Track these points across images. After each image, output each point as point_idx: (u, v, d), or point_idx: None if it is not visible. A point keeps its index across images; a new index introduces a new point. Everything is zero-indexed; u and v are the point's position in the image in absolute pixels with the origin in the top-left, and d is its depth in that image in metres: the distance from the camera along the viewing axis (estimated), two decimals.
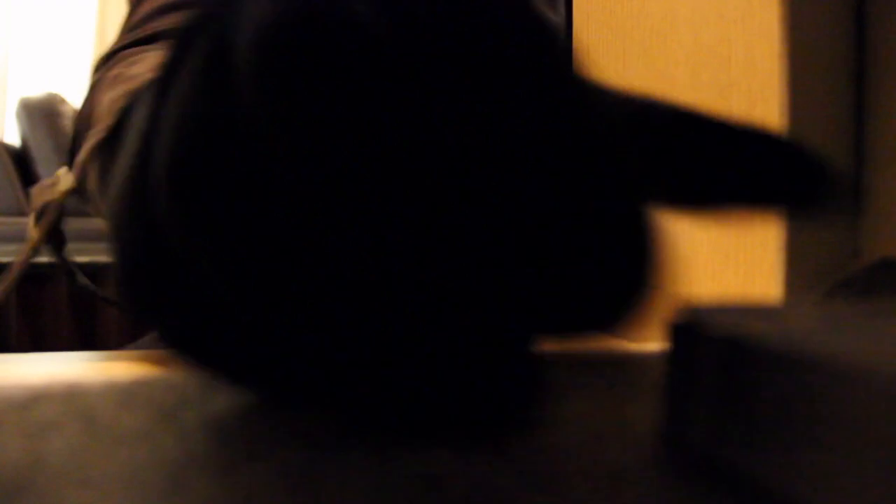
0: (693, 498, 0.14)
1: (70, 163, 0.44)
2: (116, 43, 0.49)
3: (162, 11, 0.48)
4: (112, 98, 0.40)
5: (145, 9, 0.50)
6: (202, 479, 0.15)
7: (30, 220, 0.44)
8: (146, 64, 0.42)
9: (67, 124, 2.32)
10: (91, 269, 0.75)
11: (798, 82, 0.26)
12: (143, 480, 0.15)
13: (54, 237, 0.45)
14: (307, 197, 0.14)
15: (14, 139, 2.45)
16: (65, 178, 0.41)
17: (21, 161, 2.33)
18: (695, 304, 0.16)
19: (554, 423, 0.18)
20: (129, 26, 0.50)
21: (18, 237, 1.97)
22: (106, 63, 0.48)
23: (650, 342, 0.34)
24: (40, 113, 2.33)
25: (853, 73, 0.27)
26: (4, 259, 1.79)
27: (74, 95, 2.86)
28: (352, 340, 0.15)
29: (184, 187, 0.16)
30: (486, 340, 0.15)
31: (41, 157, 2.30)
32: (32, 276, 1.81)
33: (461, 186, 0.14)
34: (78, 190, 0.42)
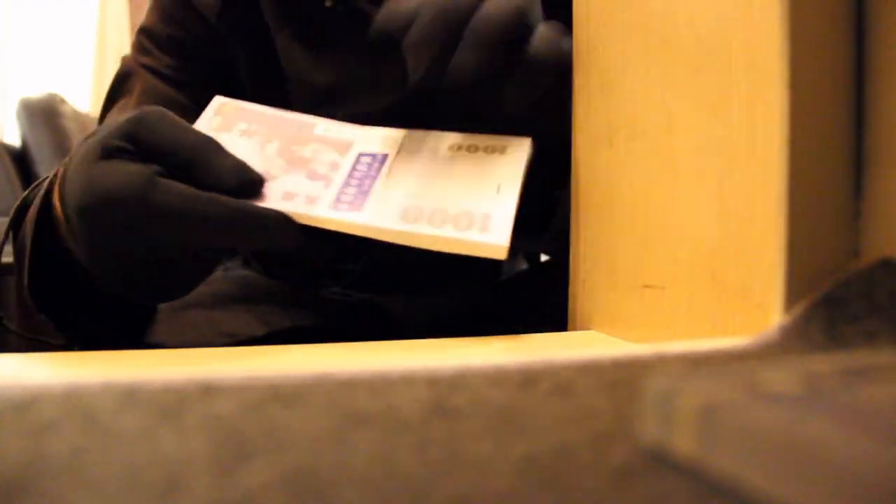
0: (693, 498, 0.14)
1: None
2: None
3: None
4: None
5: None
6: (202, 479, 0.15)
7: None
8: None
9: (67, 124, 2.32)
10: None
11: (798, 82, 0.26)
12: (143, 480, 0.15)
13: None
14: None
15: (14, 139, 2.45)
16: None
17: (21, 161, 2.33)
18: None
19: (554, 423, 0.18)
20: None
21: None
22: None
23: (652, 343, 0.34)
24: (40, 113, 2.33)
25: (853, 74, 0.27)
26: (4, 259, 1.78)
27: (74, 95, 2.85)
28: None
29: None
30: None
31: (41, 157, 2.30)
32: None
33: None
34: None
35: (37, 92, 2.43)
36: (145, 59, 0.66)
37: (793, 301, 0.26)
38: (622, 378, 0.22)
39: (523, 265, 0.78)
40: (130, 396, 0.20)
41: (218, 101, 0.44)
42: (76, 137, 2.32)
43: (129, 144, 0.36)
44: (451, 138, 0.43)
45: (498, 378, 0.22)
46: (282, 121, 0.44)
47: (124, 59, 0.68)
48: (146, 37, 0.67)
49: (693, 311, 0.31)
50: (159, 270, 0.38)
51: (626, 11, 0.36)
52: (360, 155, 0.43)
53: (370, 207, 0.38)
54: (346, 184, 0.40)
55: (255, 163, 0.39)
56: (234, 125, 0.43)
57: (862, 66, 0.27)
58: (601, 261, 0.39)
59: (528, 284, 0.70)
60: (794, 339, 0.24)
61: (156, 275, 0.38)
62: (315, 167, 0.41)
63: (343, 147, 0.43)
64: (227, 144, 0.39)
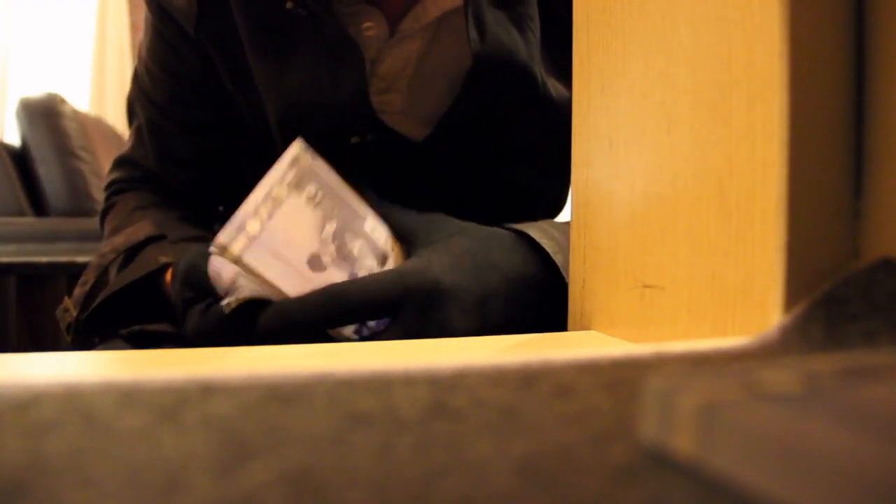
0: (693, 498, 0.14)
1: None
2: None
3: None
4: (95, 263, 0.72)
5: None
6: (202, 479, 0.15)
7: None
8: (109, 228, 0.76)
9: (67, 124, 2.32)
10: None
11: (798, 82, 0.26)
12: (143, 480, 0.15)
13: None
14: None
15: (14, 139, 2.44)
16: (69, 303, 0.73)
17: (21, 161, 2.33)
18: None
19: (554, 423, 0.18)
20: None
21: (18, 237, 1.97)
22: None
23: (652, 343, 0.34)
24: (40, 113, 2.32)
25: (853, 73, 0.27)
26: (4, 259, 1.79)
27: (74, 95, 2.85)
28: None
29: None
30: None
31: (41, 157, 2.30)
32: (32, 276, 1.80)
33: None
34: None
35: (37, 92, 2.43)
36: (144, 88, 0.77)
37: (793, 301, 0.26)
38: (622, 378, 0.22)
39: None
40: (130, 396, 0.20)
41: (297, 147, 0.45)
42: (76, 137, 2.32)
43: (191, 292, 0.50)
44: None
45: (498, 378, 0.22)
46: (342, 198, 0.46)
47: (134, 79, 0.79)
48: (144, 69, 0.76)
49: (693, 311, 0.31)
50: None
51: (626, 11, 0.36)
52: None
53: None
54: None
55: (313, 241, 0.43)
56: (305, 185, 0.45)
57: (862, 66, 0.27)
58: (601, 261, 0.39)
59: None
60: (794, 339, 0.24)
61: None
62: (357, 272, 0.45)
63: (381, 258, 0.46)
64: (295, 209, 0.43)
